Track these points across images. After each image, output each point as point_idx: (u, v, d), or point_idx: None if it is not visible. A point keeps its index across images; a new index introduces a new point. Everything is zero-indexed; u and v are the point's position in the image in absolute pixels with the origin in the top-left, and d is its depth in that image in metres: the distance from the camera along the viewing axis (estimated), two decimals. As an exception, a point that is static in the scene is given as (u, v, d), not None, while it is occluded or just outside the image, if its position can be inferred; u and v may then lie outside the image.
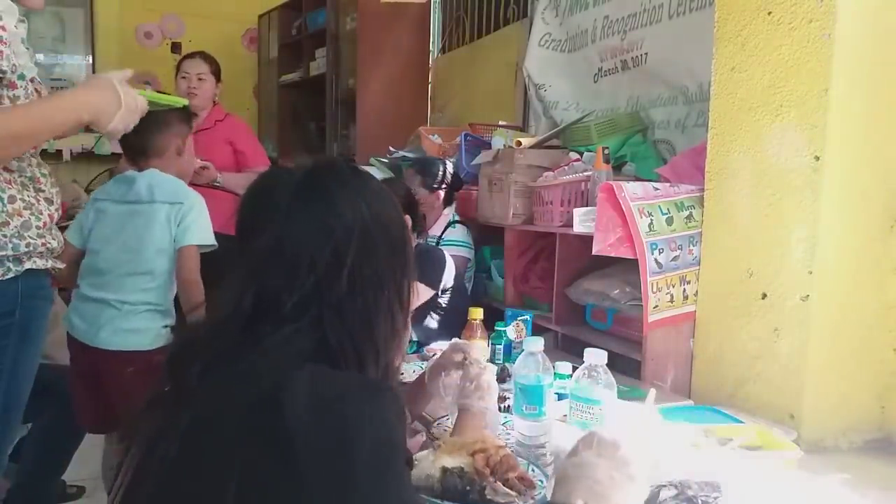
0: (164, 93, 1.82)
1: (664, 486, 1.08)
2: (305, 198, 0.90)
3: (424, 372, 1.46)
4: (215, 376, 0.84)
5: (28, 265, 1.47)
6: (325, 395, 0.79)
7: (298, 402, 0.77)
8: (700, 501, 1.05)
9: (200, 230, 2.01)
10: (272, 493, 0.76)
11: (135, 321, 1.96)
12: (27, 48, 1.52)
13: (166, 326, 1.98)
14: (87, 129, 1.47)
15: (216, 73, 3.20)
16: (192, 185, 2.91)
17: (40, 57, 5.11)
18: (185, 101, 1.81)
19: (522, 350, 1.39)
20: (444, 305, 2.44)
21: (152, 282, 1.97)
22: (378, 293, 0.91)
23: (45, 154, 1.60)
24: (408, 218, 2.43)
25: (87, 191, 4.50)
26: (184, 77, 3.14)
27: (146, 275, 1.97)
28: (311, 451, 0.76)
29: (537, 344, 1.34)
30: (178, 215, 2.00)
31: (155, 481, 0.81)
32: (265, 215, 0.90)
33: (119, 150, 2.22)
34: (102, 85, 1.44)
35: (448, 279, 2.43)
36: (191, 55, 3.21)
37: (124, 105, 1.43)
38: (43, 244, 1.49)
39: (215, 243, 2.04)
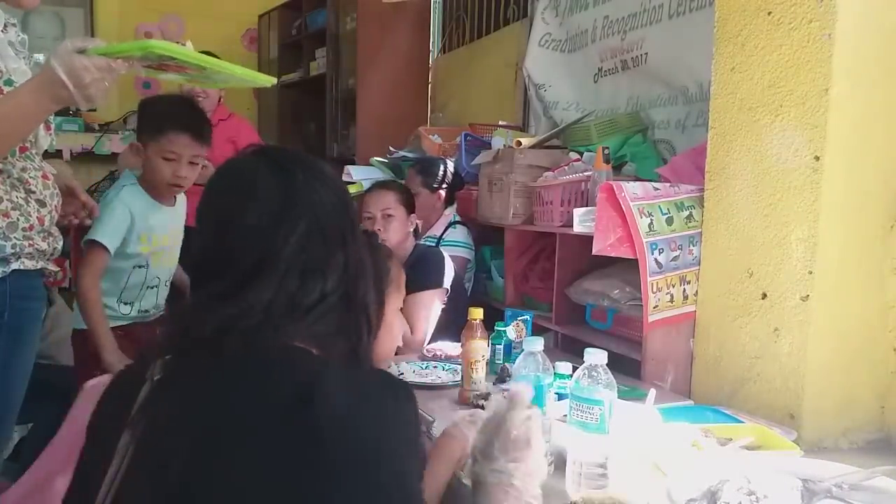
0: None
1: (727, 480, 1.10)
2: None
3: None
4: (226, 371, 0.83)
5: (15, 266, 1.46)
6: (355, 394, 0.80)
7: (331, 401, 0.77)
8: (761, 496, 1.06)
9: (93, 230, 1.97)
10: (299, 491, 0.76)
11: None
12: (17, 52, 1.50)
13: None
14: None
15: None
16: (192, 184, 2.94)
17: (40, 57, 5.09)
18: (272, 80, 1.54)
19: (522, 350, 1.39)
20: (443, 306, 2.44)
21: None
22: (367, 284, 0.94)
23: (44, 154, 1.60)
24: (413, 218, 2.46)
25: (91, 192, 4.49)
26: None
27: None
28: (343, 450, 0.76)
29: (537, 344, 1.34)
30: None
31: (160, 477, 0.80)
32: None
33: (119, 150, 2.22)
34: (44, 82, 1.34)
35: (449, 278, 2.43)
36: None
37: (70, 83, 1.31)
38: (30, 245, 1.48)
39: (101, 241, 1.97)
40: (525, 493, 0.95)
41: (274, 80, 1.53)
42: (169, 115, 2.06)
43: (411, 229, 2.44)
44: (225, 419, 0.79)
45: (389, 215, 2.35)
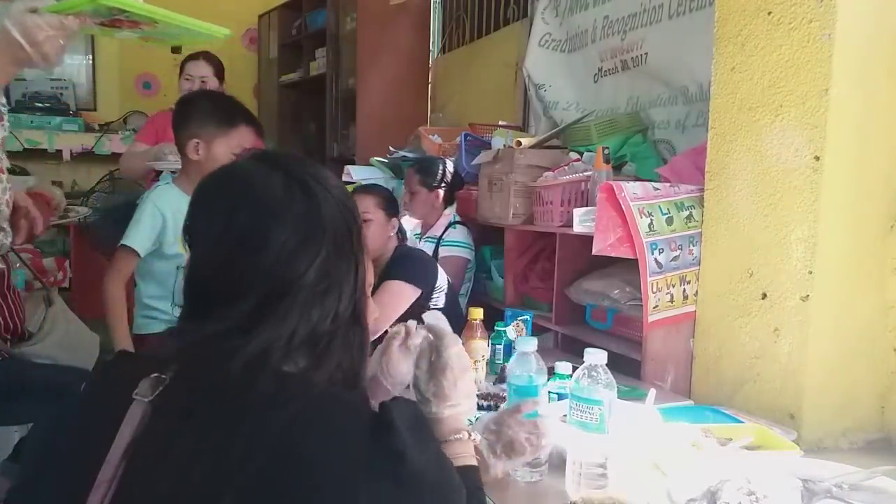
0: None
1: (727, 480, 1.10)
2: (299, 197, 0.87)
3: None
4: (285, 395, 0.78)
5: None
6: (414, 422, 0.81)
7: (404, 431, 0.77)
8: (761, 496, 1.06)
9: (125, 233, 2.01)
10: None
11: None
12: None
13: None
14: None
15: (219, 75, 3.20)
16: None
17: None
18: (225, 31, 1.47)
19: (522, 350, 1.39)
20: (437, 307, 2.42)
21: None
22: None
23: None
24: (395, 221, 2.45)
25: (91, 192, 4.48)
26: (187, 79, 3.12)
27: None
28: (421, 474, 0.77)
29: (530, 344, 1.35)
30: None
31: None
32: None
33: (119, 150, 2.23)
34: (1, 45, 1.31)
35: (441, 280, 2.42)
36: (194, 56, 3.18)
37: (25, 42, 1.29)
38: None
39: (130, 244, 2.00)
40: (470, 410, 1.10)
41: (227, 31, 1.47)
42: (238, 111, 2.07)
43: (392, 233, 2.43)
44: (286, 461, 0.72)
45: (367, 219, 2.34)
